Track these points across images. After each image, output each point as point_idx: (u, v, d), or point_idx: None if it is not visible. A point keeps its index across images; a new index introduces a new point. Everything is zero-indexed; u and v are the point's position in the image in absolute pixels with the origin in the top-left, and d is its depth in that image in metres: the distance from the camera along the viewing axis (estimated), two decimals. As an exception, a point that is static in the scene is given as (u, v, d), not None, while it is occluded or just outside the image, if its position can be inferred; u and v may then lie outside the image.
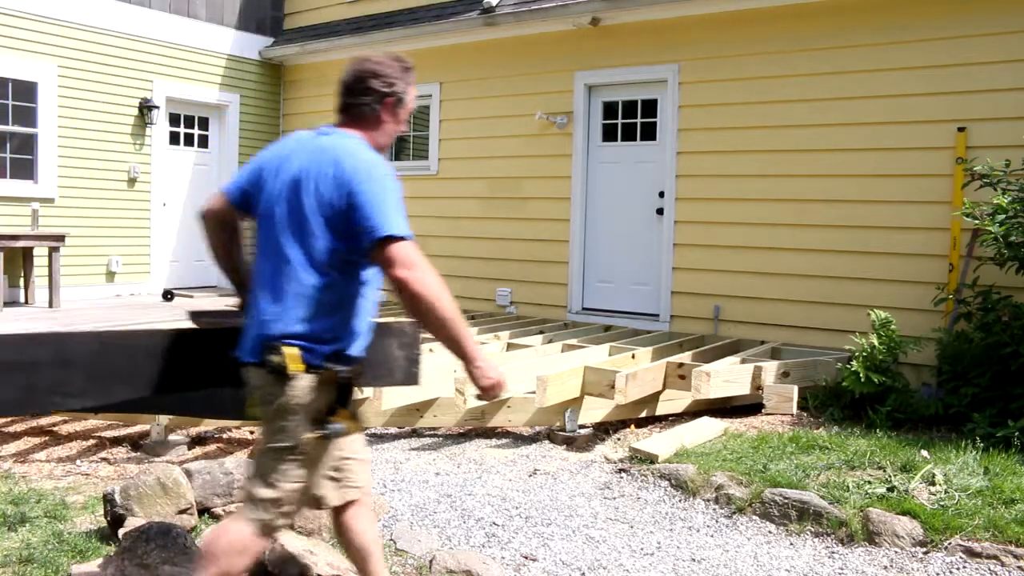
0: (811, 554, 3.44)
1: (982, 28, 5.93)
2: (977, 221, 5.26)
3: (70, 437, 4.89)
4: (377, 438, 4.97)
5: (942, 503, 3.66)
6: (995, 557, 3.31)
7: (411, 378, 2.97)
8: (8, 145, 8.41)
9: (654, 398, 5.36)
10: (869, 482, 3.91)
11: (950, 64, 6.05)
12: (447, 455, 4.67)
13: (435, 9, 9.01)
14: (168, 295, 9.09)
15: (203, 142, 10.26)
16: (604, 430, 5.18)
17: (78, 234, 8.76)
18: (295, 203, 2.32)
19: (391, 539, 3.46)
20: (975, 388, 5.10)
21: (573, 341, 6.54)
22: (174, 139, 9.92)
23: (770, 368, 5.55)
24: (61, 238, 8.30)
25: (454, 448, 4.81)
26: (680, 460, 4.34)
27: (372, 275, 2.42)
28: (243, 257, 2.61)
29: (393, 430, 5.10)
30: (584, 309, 7.91)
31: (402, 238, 2.27)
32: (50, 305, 8.14)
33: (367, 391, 4.94)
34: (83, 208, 8.89)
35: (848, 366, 5.35)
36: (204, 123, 10.25)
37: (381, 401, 4.90)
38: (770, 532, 3.66)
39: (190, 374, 2.70)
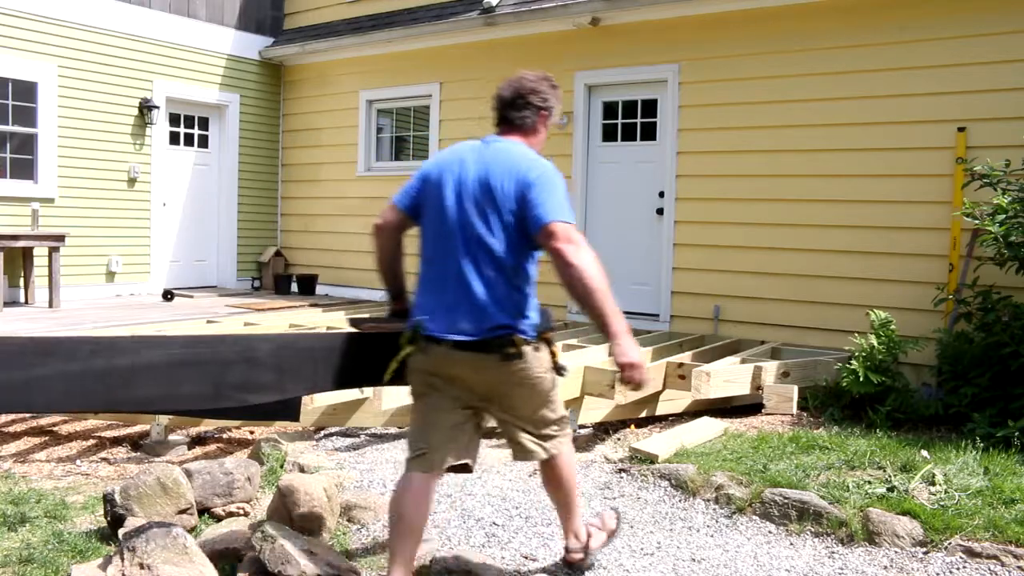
0: (811, 554, 3.44)
1: (982, 28, 5.93)
2: (977, 221, 5.26)
3: (70, 437, 4.89)
4: (377, 438, 4.97)
5: (942, 503, 3.66)
6: (995, 557, 3.31)
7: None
8: (8, 145, 8.41)
9: (654, 398, 5.36)
10: (869, 482, 3.91)
11: (950, 64, 6.05)
12: (447, 455, 4.66)
13: (435, 9, 9.01)
14: (168, 295, 9.09)
15: (203, 142, 10.26)
16: (604, 430, 5.18)
17: (78, 234, 8.76)
18: (485, 203, 2.70)
19: (391, 539, 3.46)
20: (975, 388, 5.10)
21: (573, 341, 6.54)
22: (174, 139, 9.92)
23: (770, 368, 5.55)
24: (61, 238, 8.30)
25: (454, 448, 4.80)
26: (680, 460, 4.34)
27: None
28: (403, 266, 3.05)
29: (393, 430, 5.10)
30: (584, 309, 7.90)
31: (565, 222, 2.61)
32: (50, 305, 8.14)
33: (367, 391, 4.94)
34: (83, 208, 8.89)
35: (848, 366, 5.35)
36: (204, 123, 10.25)
37: (381, 401, 4.90)
38: (770, 532, 3.65)
39: (356, 372, 3.07)
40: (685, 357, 5.94)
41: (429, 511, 2.80)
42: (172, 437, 4.72)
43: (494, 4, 8.21)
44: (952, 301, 5.69)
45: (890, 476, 3.96)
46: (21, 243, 8.01)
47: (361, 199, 9.90)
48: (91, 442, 4.83)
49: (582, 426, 5.06)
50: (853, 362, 5.33)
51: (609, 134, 7.98)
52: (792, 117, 6.76)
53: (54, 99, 8.61)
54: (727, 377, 5.38)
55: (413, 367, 2.83)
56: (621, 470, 4.40)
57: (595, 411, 5.17)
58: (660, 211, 7.51)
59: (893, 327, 5.42)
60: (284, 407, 3.88)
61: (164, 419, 4.68)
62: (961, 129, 6.00)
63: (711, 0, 7.06)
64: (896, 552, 3.42)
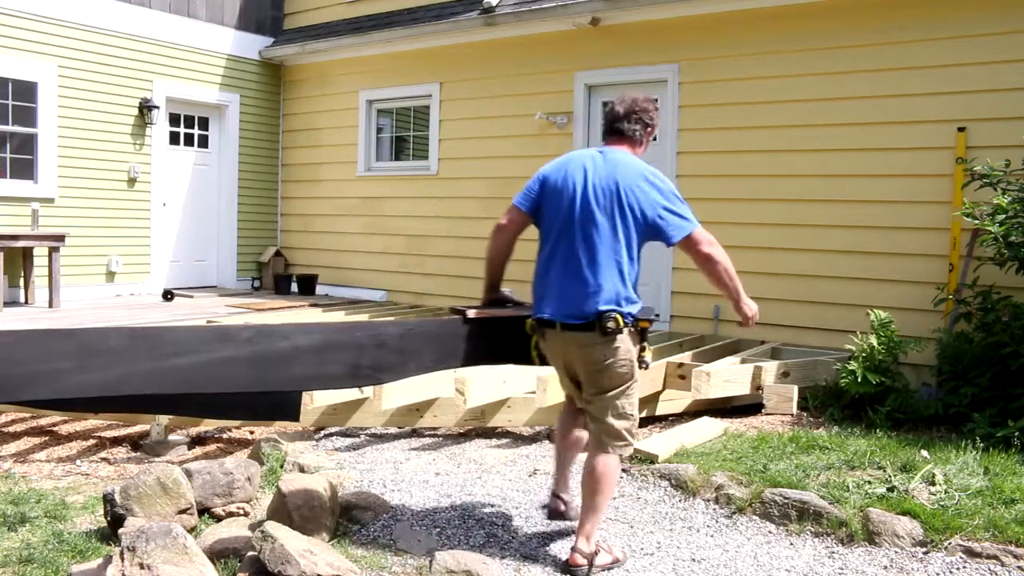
0: (811, 554, 3.44)
1: (982, 28, 5.93)
2: (977, 221, 5.26)
3: (70, 437, 4.89)
4: (377, 438, 4.97)
5: (942, 503, 3.66)
6: (995, 557, 3.31)
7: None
8: (8, 145, 8.41)
9: (654, 398, 5.36)
10: (869, 482, 3.91)
11: (950, 64, 6.05)
12: (447, 455, 4.67)
13: (435, 9, 9.01)
14: (168, 295, 9.09)
15: (203, 142, 10.26)
16: (604, 430, 5.18)
17: (78, 234, 8.76)
18: (611, 204, 3.17)
19: (391, 539, 3.46)
20: (975, 388, 5.10)
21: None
22: (174, 139, 9.92)
23: (770, 368, 5.55)
24: (61, 238, 8.30)
25: (454, 448, 4.80)
26: (680, 460, 4.34)
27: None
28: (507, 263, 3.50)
29: (393, 430, 5.10)
30: (584, 309, 7.91)
31: (700, 228, 3.22)
32: (50, 305, 8.14)
33: (367, 391, 4.94)
34: (83, 208, 8.89)
35: (847, 366, 5.35)
36: (204, 123, 10.25)
37: (381, 401, 4.90)
38: (770, 532, 3.66)
39: (467, 352, 3.49)
40: (685, 357, 5.94)
41: (580, 427, 3.49)
42: (172, 437, 4.72)
43: (494, 4, 8.21)
44: (952, 301, 5.69)
45: (890, 476, 3.96)
46: (21, 243, 8.01)
47: (361, 199, 9.90)
48: (91, 442, 4.83)
49: (582, 426, 5.05)
50: (853, 362, 5.33)
51: (609, 134, 7.97)
52: (792, 117, 6.76)
53: (54, 99, 8.61)
54: (727, 377, 5.38)
55: (542, 348, 3.41)
56: (621, 470, 4.39)
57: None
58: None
59: (893, 327, 5.42)
60: (284, 407, 3.89)
61: (164, 419, 4.68)
62: (961, 129, 6.00)
63: (711, 0, 7.06)
64: (896, 552, 3.43)
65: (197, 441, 4.86)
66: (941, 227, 6.04)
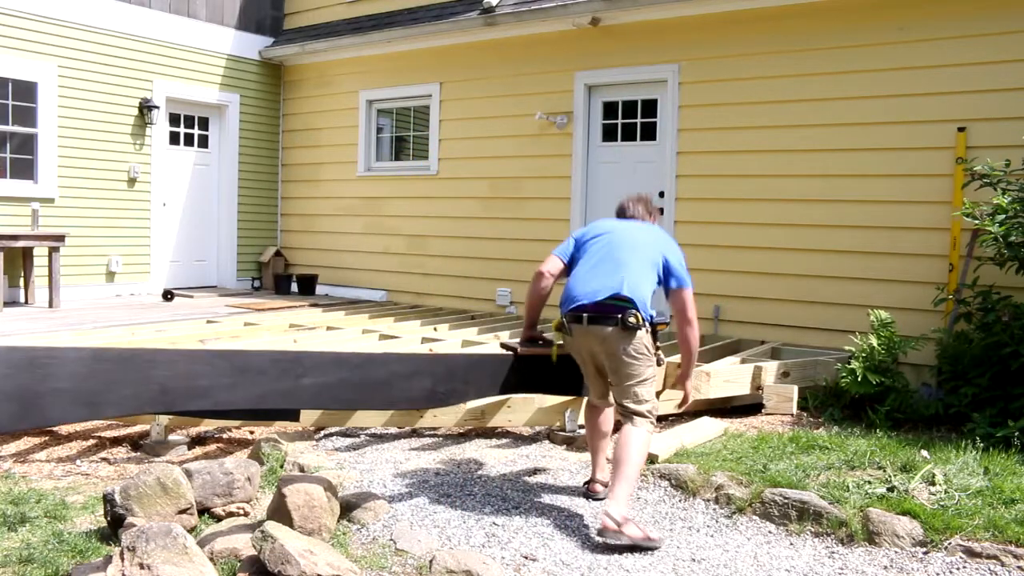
0: (811, 554, 3.44)
1: (982, 28, 5.93)
2: (977, 221, 5.26)
3: (70, 437, 4.89)
4: (377, 438, 4.97)
5: (942, 503, 3.66)
6: (995, 557, 3.31)
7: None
8: (8, 145, 8.41)
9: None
10: (869, 482, 3.91)
11: (950, 64, 6.06)
12: (447, 455, 4.66)
13: (435, 9, 9.01)
14: (168, 295, 9.09)
15: (203, 142, 10.26)
16: (604, 430, 5.17)
17: (78, 234, 8.76)
18: (636, 248, 3.83)
19: (391, 539, 3.46)
20: (975, 388, 5.10)
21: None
22: (174, 139, 9.92)
23: (770, 368, 5.55)
24: (61, 238, 8.30)
25: (454, 448, 4.80)
26: (680, 460, 4.34)
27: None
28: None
29: (393, 430, 5.10)
30: (584, 309, 7.91)
31: (690, 288, 3.90)
32: (50, 305, 8.15)
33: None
34: (83, 208, 8.90)
35: (847, 366, 5.35)
36: (204, 123, 10.25)
37: (381, 401, 4.91)
38: (770, 532, 3.66)
39: (514, 382, 4.17)
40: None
41: (608, 422, 4.06)
42: (172, 437, 4.71)
43: (494, 4, 8.22)
44: (952, 301, 5.69)
45: (890, 476, 3.96)
46: (21, 243, 8.02)
47: (361, 199, 9.91)
48: (91, 442, 4.83)
49: (582, 426, 5.05)
50: (853, 362, 5.33)
51: (609, 134, 7.99)
52: (792, 117, 6.76)
53: (54, 99, 8.61)
54: (727, 377, 5.38)
55: (567, 345, 3.97)
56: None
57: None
58: (660, 211, 7.50)
59: (893, 327, 5.42)
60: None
61: (164, 419, 4.67)
62: (961, 129, 6.00)
63: (711, 0, 7.06)
64: (896, 552, 3.42)
65: (197, 441, 4.86)
66: (941, 227, 6.04)
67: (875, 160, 6.38)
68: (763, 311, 6.88)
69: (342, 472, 4.30)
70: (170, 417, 4.70)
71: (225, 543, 3.15)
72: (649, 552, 3.42)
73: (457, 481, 4.20)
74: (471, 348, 6.29)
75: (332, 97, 10.24)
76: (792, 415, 5.36)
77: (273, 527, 2.98)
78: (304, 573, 2.80)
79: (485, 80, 8.74)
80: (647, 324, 3.70)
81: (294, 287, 10.17)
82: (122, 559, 2.79)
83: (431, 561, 3.12)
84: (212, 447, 4.79)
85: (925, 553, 3.40)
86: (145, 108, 9.31)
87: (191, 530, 3.35)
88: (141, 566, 2.75)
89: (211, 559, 2.98)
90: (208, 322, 7.41)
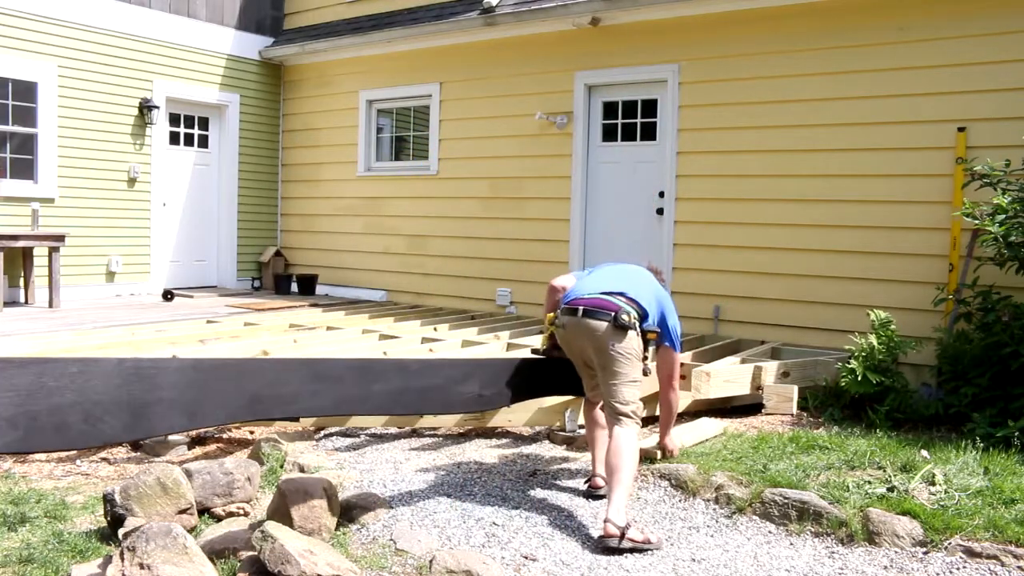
0: (811, 554, 3.44)
1: (982, 28, 5.93)
2: (977, 221, 5.26)
3: (70, 437, 4.88)
4: (377, 438, 4.97)
5: (942, 503, 3.66)
6: (995, 557, 3.31)
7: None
8: (8, 145, 8.41)
9: (654, 398, 5.34)
10: (869, 482, 3.91)
11: (950, 64, 6.06)
12: (447, 455, 4.67)
13: (435, 9, 9.01)
14: (168, 295, 9.09)
15: (203, 142, 10.26)
16: (604, 430, 5.18)
17: (78, 234, 8.76)
18: (639, 278, 4.04)
19: (391, 539, 3.46)
20: (975, 388, 5.10)
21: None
22: (174, 139, 9.92)
23: (770, 368, 5.55)
24: (61, 238, 8.30)
25: (454, 448, 4.80)
26: (680, 460, 4.34)
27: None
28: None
29: (393, 430, 5.10)
30: (584, 309, 7.91)
31: (679, 352, 4.18)
32: (50, 305, 8.15)
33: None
34: (83, 208, 8.90)
35: (847, 366, 5.35)
36: (204, 123, 10.25)
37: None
38: (770, 532, 3.66)
39: (545, 385, 4.34)
40: (685, 357, 5.93)
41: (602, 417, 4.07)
42: (172, 437, 4.71)
43: (494, 4, 8.22)
44: (952, 301, 5.69)
45: (890, 476, 3.96)
46: (21, 243, 8.02)
47: (361, 199, 9.91)
48: (91, 442, 4.82)
49: (582, 426, 5.05)
50: (853, 362, 5.33)
51: (609, 134, 7.99)
52: (792, 117, 6.76)
53: (54, 99, 8.61)
54: (727, 377, 5.38)
55: (561, 339, 4.03)
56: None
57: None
58: (660, 211, 7.51)
59: (893, 327, 5.42)
60: None
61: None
62: (961, 129, 6.00)
63: (711, 0, 7.06)
64: (896, 552, 3.43)
65: (197, 441, 4.86)
66: (941, 227, 6.04)
67: (875, 160, 6.38)
68: (763, 311, 6.88)
69: (342, 472, 4.30)
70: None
71: (225, 543, 3.15)
72: (649, 552, 3.42)
73: (457, 481, 4.20)
74: (472, 348, 6.29)
75: (332, 97, 10.24)
76: (792, 415, 5.36)
77: (273, 527, 2.98)
78: (304, 573, 2.80)
79: (485, 80, 8.74)
80: (638, 327, 3.80)
81: (294, 287, 10.17)
82: (122, 559, 2.79)
83: (431, 561, 3.12)
84: (212, 447, 4.79)
85: (925, 553, 3.40)
86: (145, 108, 9.31)
87: (191, 530, 3.35)
88: (141, 566, 2.75)
89: (211, 559, 2.98)
90: (208, 322, 7.41)
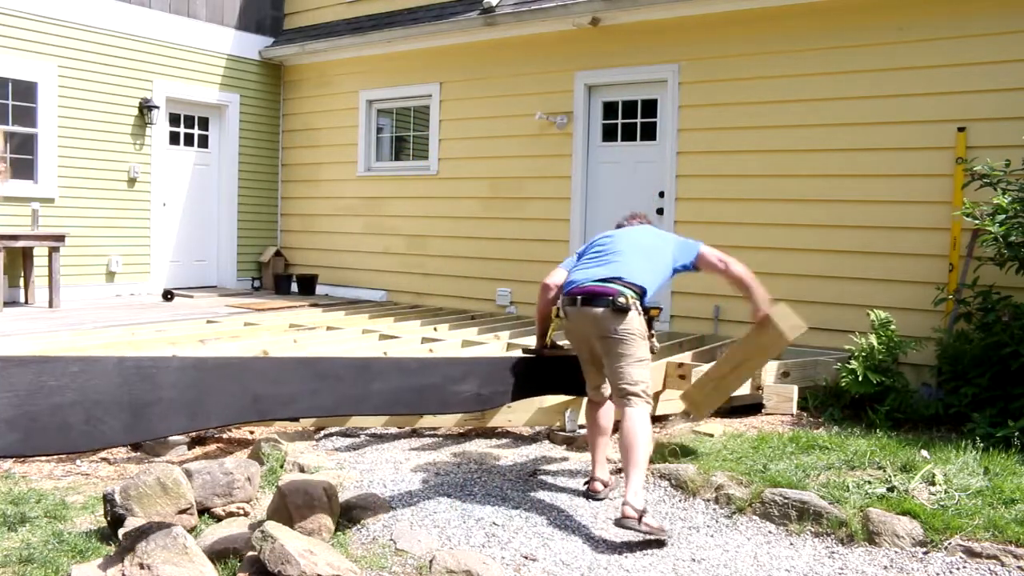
0: (811, 554, 3.44)
1: (982, 28, 5.93)
2: (977, 221, 5.26)
3: (70, 437, 4.88)
4: (377, 438, 4.97)
5: (942, 503, 3.66)
6: (995, 557, 3.31)
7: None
8: (8, 145, 8.41)
9: (654, 398, 5.35)
10: (869, 482, 3.91)
11: (950, 64, 6.05)
12: (447, 455, 4.67)
13: (435, 9, 9.01)
14: (168, 295, 9.09)
15: (203, 142, 10.26)
16: (604, 430, 5.17)
17: (78, 234, 8.76)
18: (642, 247, 4.00)
19: (391, 539, 3.46)
20: (975, 388, 5.10)
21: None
22: (174, 139, 9.92)
23: (770, 368, 5.55)
24: (61, 238, 8.30)
25: (454, 448, 4.81)
26: (680, 460, 4.34)
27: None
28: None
29: (393, 430, 5.10)
30: (584, 309, 7.91)
31: (703, 245, 4.11)
32: (50, 305, 8.15)
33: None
34: (83, 208, 8.90)
35: (847, 366, 5.35)
36: (204, 123, 10.25)
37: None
38: (770, 532, 3.66)
39: (543, 384, 4.34)
40: (685, 357, 5.94)
41: (609, 418, 4.10)
42: (172, 437, 4.71)
43: (494, 4, 8.22)
44: (952, 301, 5.69)
45: (890, 476, 3.96)
46: (21, 243, 8.02)
47: (361, 199, 9.91)
48: (91, 442, 4.82)
49: (582, 426, 5.05)
50: (853, 362, 5.33)
51: (609, 134, 7.99)
52: (792, 117, 6.76)
53: (54, 99, 8.61)
54: (727, 377, 5.36)
55: (564, 329, 4.05)
56: (620, 470, 4.39)
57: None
58: (660, 211, 7.51)
59: (893, 327, 5.42)
60: None
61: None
62: (961, 129, 6.00)
63: (711, 0, 7.06)
64: (896, 552, 3.43)
65: (197, 441, 4.86)
66: (941, 227, 6.04)
67: (875, 160, 6.38)
68: (763, 311, 6.86)
69: (342, 472, 4.30)
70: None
71: (225, 543, 3.16)
72: (649, 551, 3.42)
73: (457, 481, 4.20)
74: (472, 348, 6.29)
75: (332, 97, 10.24)
76: (792, 415, 5.36)
77: (273, 527, 2.98)
78: (304, 573, 2.80)
79: (485, 80, 8.74)
80: (638, 307, 3.79)
81: (294, 287, 10.17)
82: (122, 559, 2.79)
83: (431, 561, 3.13)
84: (212, 447, 4.79)
85: (925, 553, 3.40)
86: (145, 108, 9.31)
87: (191, 530, 3.35)
88: (141, 566, 2.75)
89: (211, 559, 2.98)
90: (208, 322, 7.41)
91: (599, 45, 7.88)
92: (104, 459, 4.53)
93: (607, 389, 4.04)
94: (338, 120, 10.14)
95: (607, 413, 4.12)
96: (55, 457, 4.53)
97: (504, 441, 5.00)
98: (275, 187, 10.89)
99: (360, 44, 9.60)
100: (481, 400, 4.05)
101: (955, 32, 6.04)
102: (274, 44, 10.56)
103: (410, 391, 3.79)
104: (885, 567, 3.32)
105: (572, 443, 4.90)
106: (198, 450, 4.75)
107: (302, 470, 4.25)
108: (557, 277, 4.08)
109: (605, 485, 4.03)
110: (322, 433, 5.02)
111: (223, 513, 3.61)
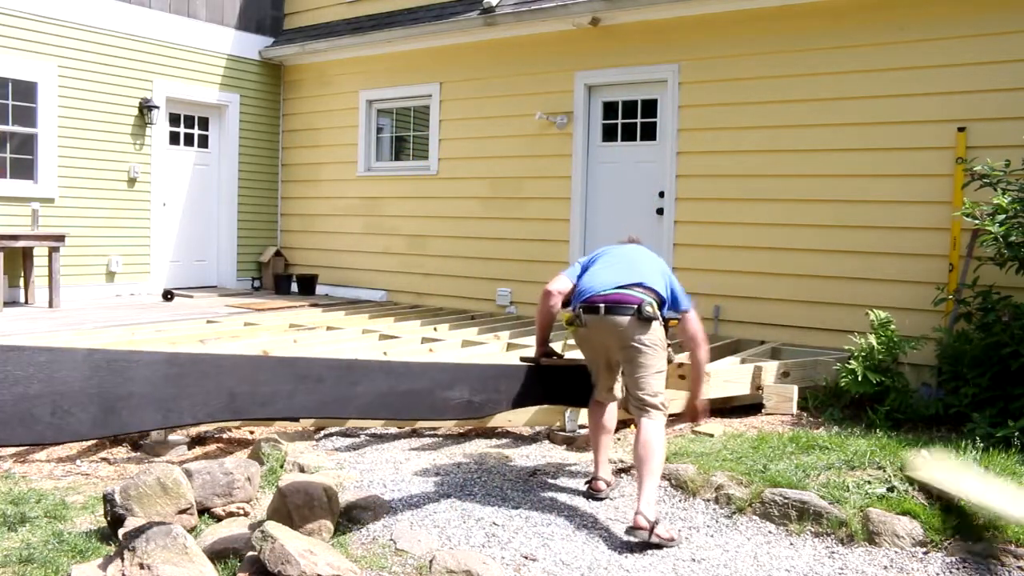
0: (811, 554, 3.44)
1: (982, 28, 5.93)
2: (977, 221, 5.26)
3: (70, 437, 4.88)
4: (377, 438, 4.97)
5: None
6: (995, 557, 3.31)
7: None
8: (8, 145, 8.41)
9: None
10: (869, 482, 3.91)
11: (950, 64, 6.05)
12: (447, 455, 4.67)
13: (435, 9, 9.01)
14: (168, 295, 9.09)
15: (203, 142, 10.26)
16: (604, 430, 5.17)
17: (78, 234, 8.76)
18: (642, 259, 4.00)
19: (391, 539, 3.46)
20: (975, 388, 5.10)
21: (573, 341, 6.53)
22: (174, 139, 9.92)
23: (770, 368, 5.55)
24: (61, 238, 8.30)
25: (454, 448, 4.81)
26: (680, 460, 4.34)
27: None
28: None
29: (393, 430, 5.10)
30: (584, 309, 7.91)
31: (693, 309, 4.07)
32: (50, 305, 8.15)
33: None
34: (83, 208, 8.90)
35: (847, 366, 5.35)
36: (204, 123, 10.25)
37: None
38: (770, 532, 3.66)
39: (540, 393, 4.24)
40: (685, 357, 5.93)
41: (612, 419, 4.13)
42: (172, 437, 4.71)
43: (494, 4, 8.22)
44: (952, 301, 5.69)
45: (890, 476, 3.96)
46: (21, 243, 8.02)
47: (361, 199, 9.91)
48: (91, 442, 4.82)
49: (582, 426, 5.05)
50: (853, 362, 5.32)
51: (609, 134, 7.98)
52: (792, 117, 6.76)
53: (54, 99, 8.61)
54: (727, 377, 5.38)
55: (580, 339, 4.00)
56: (621, 470, 4.40)
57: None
58: (660, 211, 7.51)
59: (893, 327, 5.42)
60: None
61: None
62: (961, 129, 6.00)
63: (711, 0, 7.06)
64: (896, 552, 3.43)
65: (197, 441, 4.86)
66: (941, 227, 6.04)
67: (875, 160, 6.38)
68: (763, 311, 6.88)
69: (342, 472, 4.30)
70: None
71: (225, 543, 3.16)
72: (649, 552, 3.42)
73: (457, 481, 4.20)
74: (472, 348, 6.29)
75: (332, 97, 10.24)
76: (792, 415, 5.36)
77: (273, 527, 2.98)
78: (304, 573, 2.80)
79: (485, 80, 8.74)
80: (661, 316, 3.79)
81: (294, 287, 10.17)
82: (122, 559, 2.79)
83: (431, 561, 3.13)
84: (212, 447, 4.79)
85: (925, 553, 3.40)
86: (145, 108, 9.31)
87: (191, 530, 3.35)
88: (141, 566, 2.75)
89: (211, 559, 2.98)
90: (208, 322, 7.41)
91: (599, 45, 7.88)
92: (104, 459, 4.53)
93: (619, 391, 4.05)
94: (338, 120, 10.14)
95: (611, 414, 4.11)
96: (55, 457, 4.53)
97: (504, 441, 4.99)
98: (275, 187, 10.89)
99: (360, 44, 9.60)
100: (473, 408, 3.95)
101: (955, 32, 6.04)
102: (274, 44, 10.56)
103: (397, 395, 3.68)
104: (885, 567, 3.32)
105: (572, 443, 4.90)
106: (198, 450, 4.75)
107: (302, 470, 4.25)
108: (560, 284, 4.01)
109: (607, 484, 4.04)
110: (322, 433, 5.02)
111: (223, 513, 3.61)
